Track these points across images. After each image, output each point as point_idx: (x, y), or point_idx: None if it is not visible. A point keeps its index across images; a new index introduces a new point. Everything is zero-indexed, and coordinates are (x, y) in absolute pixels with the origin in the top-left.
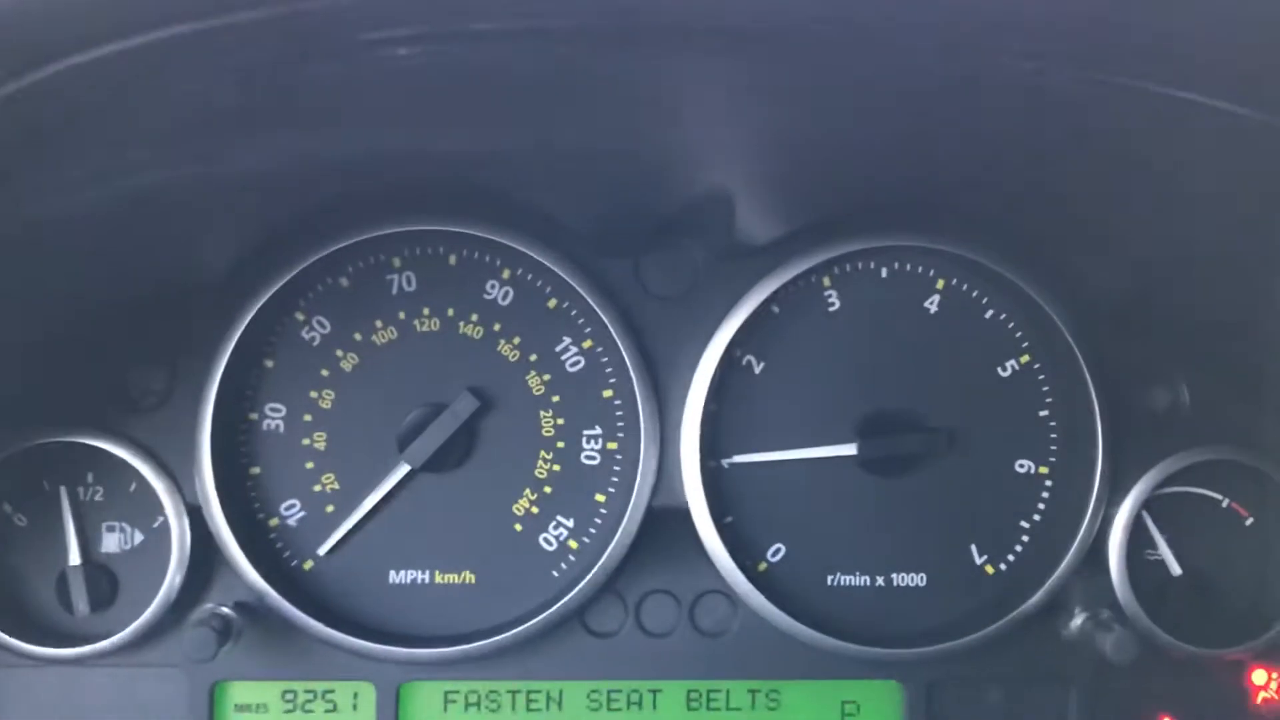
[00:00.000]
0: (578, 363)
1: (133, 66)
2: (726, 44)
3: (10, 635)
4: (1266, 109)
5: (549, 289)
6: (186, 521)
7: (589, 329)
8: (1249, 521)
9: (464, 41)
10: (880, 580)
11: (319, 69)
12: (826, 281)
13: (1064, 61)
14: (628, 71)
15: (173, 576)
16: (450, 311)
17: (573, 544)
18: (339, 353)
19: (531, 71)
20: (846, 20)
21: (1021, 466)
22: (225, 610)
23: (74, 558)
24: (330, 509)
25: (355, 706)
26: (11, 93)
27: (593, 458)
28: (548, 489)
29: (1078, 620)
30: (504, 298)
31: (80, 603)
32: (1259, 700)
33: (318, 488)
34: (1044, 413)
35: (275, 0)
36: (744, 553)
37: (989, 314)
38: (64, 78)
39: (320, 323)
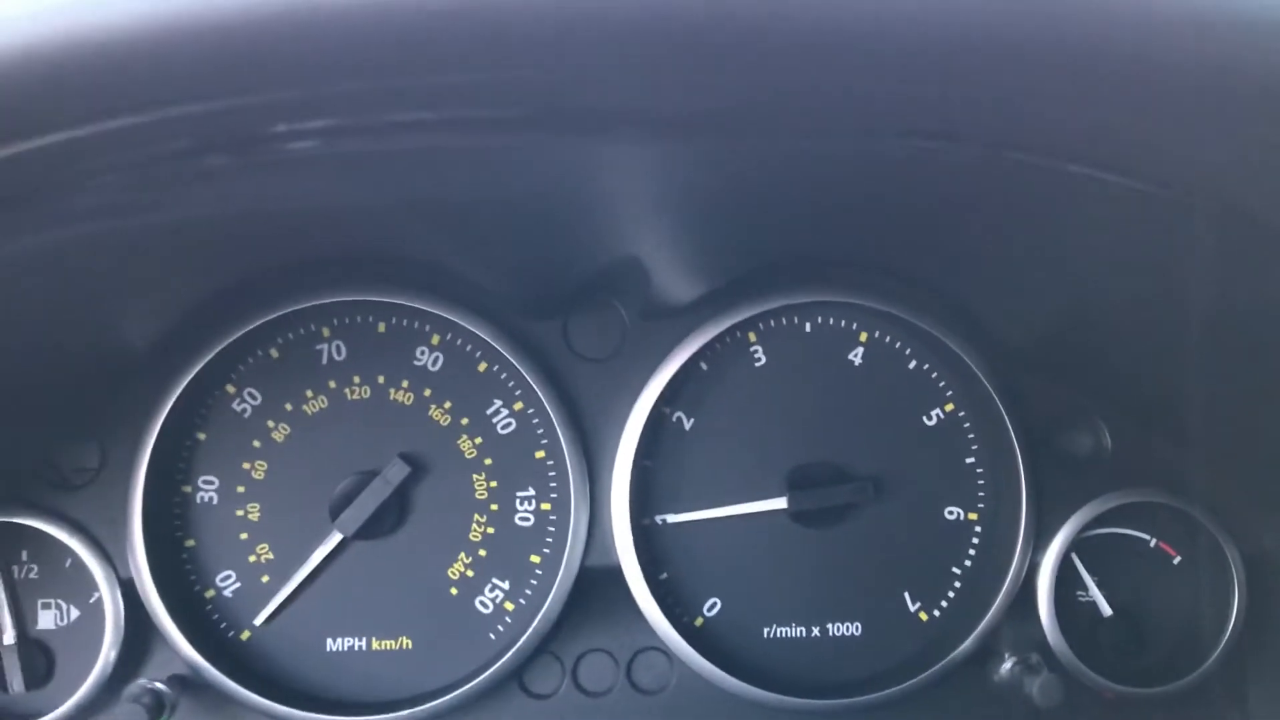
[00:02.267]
0: (509, 425)
1: (39, 161)
2: (645, 131)
3: None
4: (1157, 184)
5: (478, 353)
6: (120, 596)
7: (519, 391)
8: (1176, 560)
9: (371, 134)
10: (816, 630)
11: (222, 161)
12: (752, 337)
13: (966, 141)
14: (546, 149)
15: (107, 652)
16: (380, 379)
17: (509, 605)
18: (270, 423)
19: (451, 151)
20: (764, 107)
21: (950, 513)
22: (158, 685)
23: (8, 636)
24: (266, 579)
25: None
26: None
27: (527, 519)
28: (482, 552)
29: (1007, 665)
30: (434, 363)
31: (15, 681)
32: None
33: (252, 558)
34: (970, 460)
35: (173, 101)
36: (680, 608)
37: (912, 364)
38: None
39: (251, 394)
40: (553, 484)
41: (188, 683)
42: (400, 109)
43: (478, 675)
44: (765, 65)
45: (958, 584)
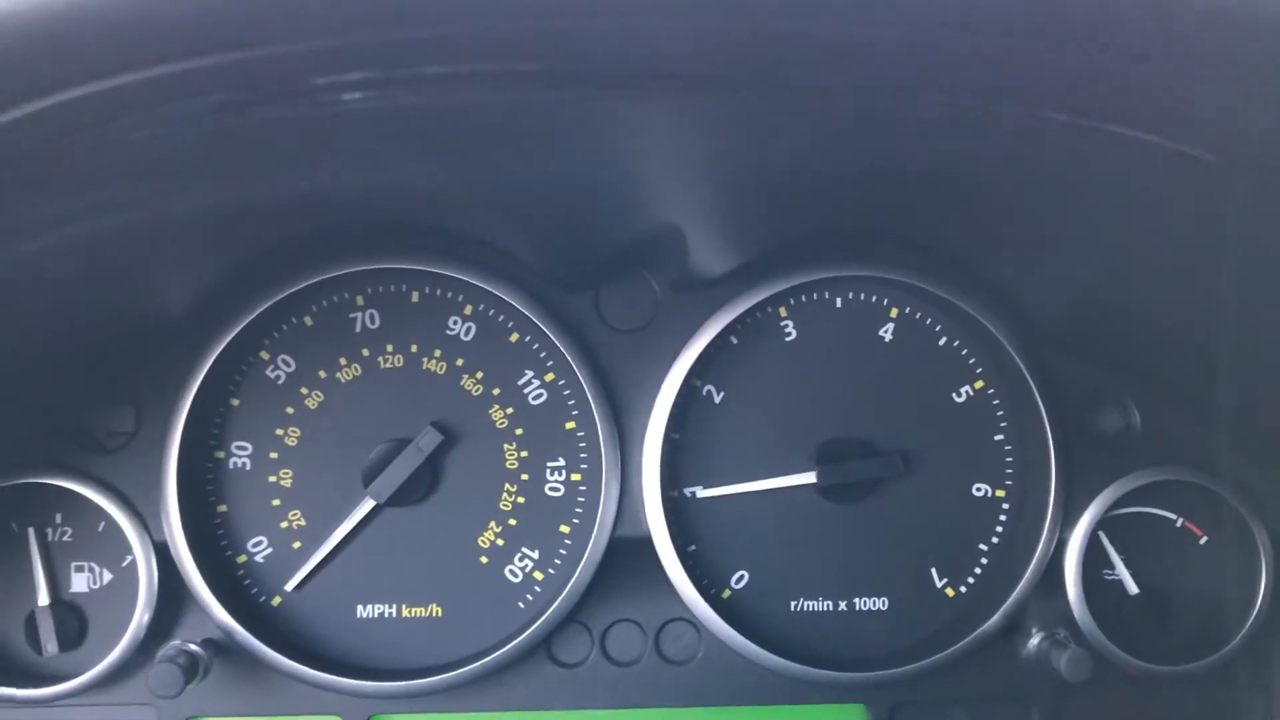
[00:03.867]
0: (540, 396)
1: (79, 116)
2: (679, 88)
3: None
4: (1200, 145)
5: (510, 324)
6: (154, 560)
7: (550, 362)
8: (1203, 540)
9: (416, 86)
10: (843, 605)
11: (271, 113)
12: (783, 312)
13: (1008, 100)
14: (581, 113)
15: (141, 615)
16: (413, 348)
17: (538, 575)
18: (304, 390)
19: (485, 113)
20: (799, 64)
21: (979, 490)
22: (192, 647)
23: (43, 598)
24: (297, 545)
25: None
26: None
27: (557, 489)
28: (512, 521)
29: (1035, 640)
30: (466, 333)
31: (49, 643)
32: None
33: (284, 524)
34: (999, 437)
35: (223, 48)
36: (708, 580)
37: (942, 341)
38: (10, 128)
39: (285, 361)
40: (583, 455)
41: (219, 646)
42: (438, 61)
43: (506, 644)
44: (807, 13)
45: (984, 560)
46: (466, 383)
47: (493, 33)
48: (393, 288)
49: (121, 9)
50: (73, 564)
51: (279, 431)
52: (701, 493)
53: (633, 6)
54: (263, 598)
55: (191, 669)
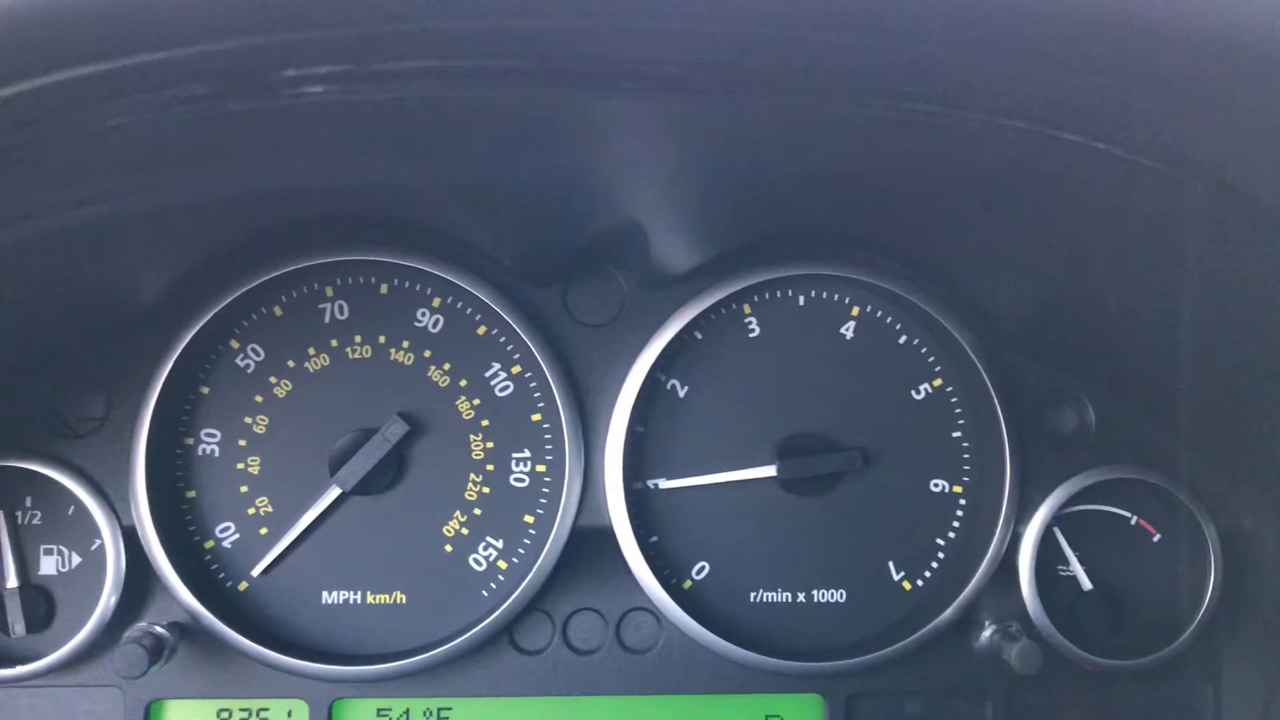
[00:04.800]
0: (507, 388)
1: (47, 103)
2: (651, 90)
3: None
4: (1148, 156)
5: (478, 316)
6: (122, 544)
7: (517, 355)
8: (1156, 538)
9: (384, 80)
10: (801, 596)
11: (241, 106)
12: (747, 309)
13: (964, 109)
14: (551, 110)
15: (108, 597)
16: (381, 339)
17: (502, 564)
18: (272, 379)
19: (455, 108)
20: (764, 67)
21: (936, 486)
22: (158, 629)
23: (11, 580)
24: (264, 531)
25: None
26: None
27: (521, 480)
28: (477, 510)
29: (987, 633)
30: (434, 325)
31: (17, 624)
32: None
33: (252, 510)
34: (956, 434)
35: (194, 40)
36: (669, 571)
37: (902, 339)
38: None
39: (254, 350)
40: (548, 446)
41: (185, 630)
42: (407, 56)
43: (469, 630)
44: (767, 22)
45: (941, 555)
46: (434, 374)
47: (465, 30)
48: (362, 279)
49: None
50: (42, 547)
51: (248, 419)
52: (664, 484)
53: (608, 9)
54: (229, 583)
55: (156, 651)
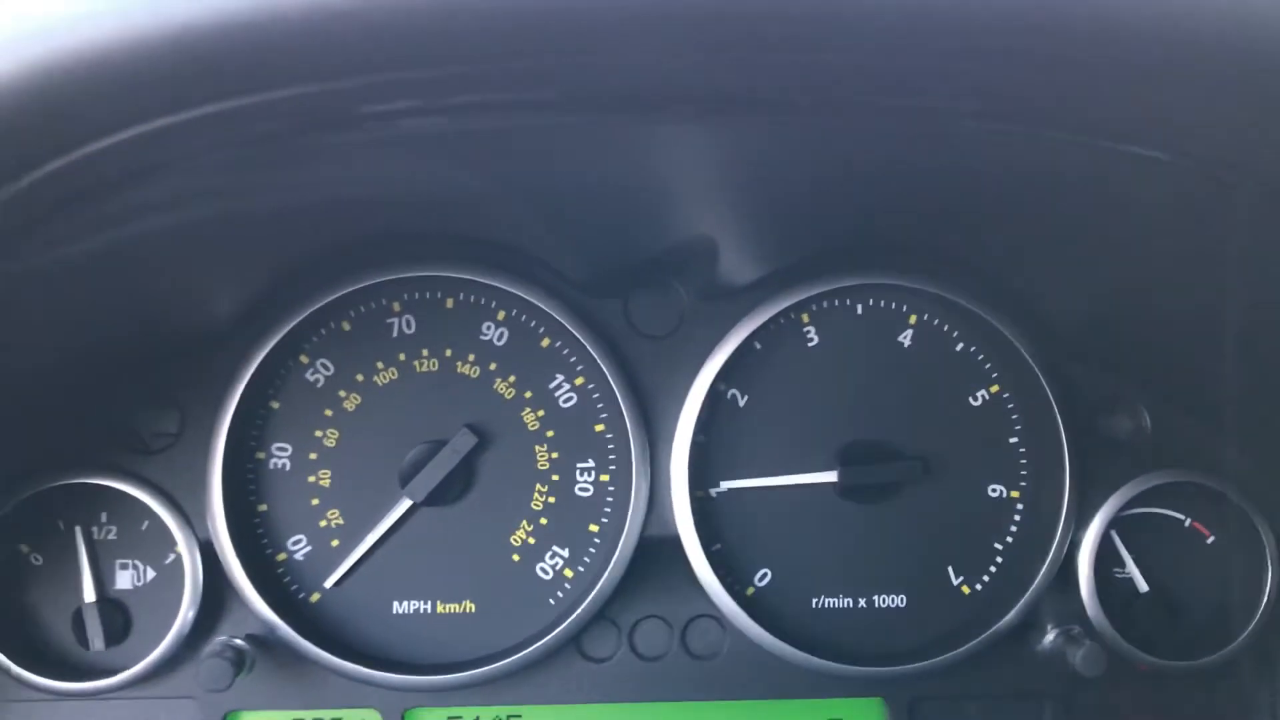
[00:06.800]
0: (571, 399)
1: (146, 147)
2: (707, 111)
3: (28, 670)
4: (1202, 163)
5: (542, 329)
6: (199, 557)
7: (581, 367)
8: (1210, 540)
9: (456, 114)
10: (862, 602)
11: (322, 139)
12: (805, 318)
13: (1019, 123)
14: (617, 133)
15: (186, 610)
16: (448, 352)
17: (568, 573)
18: (342, 393)
19: (526, 135)
20: (823, 92)
21: (994, 491)
22: (239, 642)
23: (89, 595)
24: (335, 543)
25: None
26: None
27: (586, 489)
28: (544, 520)
29: (1050, 636)
30: (499, 338)
31: (95, 638)
32: None
33: (323, 523)
34: (1014, 439)
35: (277, 85)
36: (732, 578)
37: (959, 346)
38: (89, 158)
39: (324, 365)
40: (611, 456)
41: (261, 641)
42: (474, 92)
43: (538, 639)
44: (824, 46)
45: (999, 559)
46: (499, 386)
47: (508, 69)
48: (428, 294)
49: (185, 50)
50: (117, 562)
51: (318, 433)
52: (724, 484)
53: (670, 44)
54: (302, 594)
55: (239, 663)
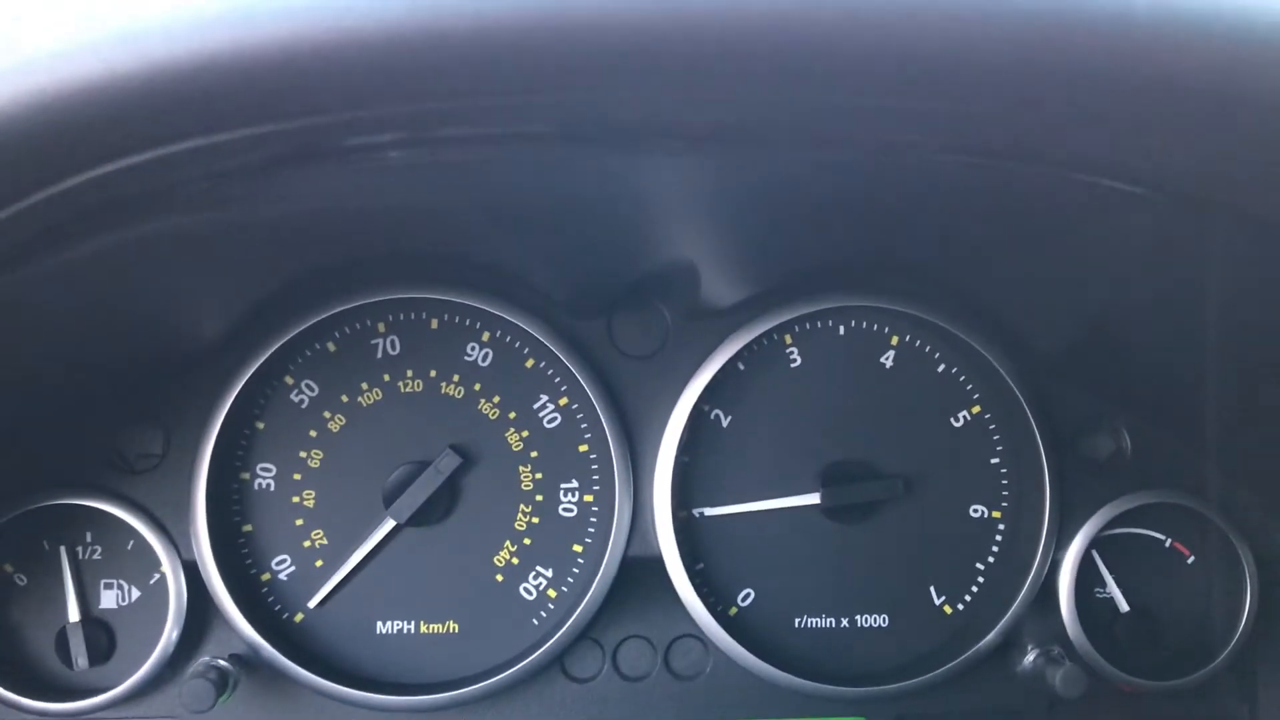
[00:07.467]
0: (555, 419)
1: (136, 176)
2: (690, 144)
3: (11, 691)
4: (1179, 195)
5: (526, 350)
6: (183, 577)
7: (565, 387)
8: (1190, 560)
9: (441, 145)
10: (845, 621)
11: (307, 170)
12: (788, 340)
13: (999, 159)
14: (602, 160)
15: (170, 630)
16: (432, 373)
17: (552, 593)
18: (326, 414)
19: (508, 161)
20: (808, 128)
21: (975, 511)
22: (222, 662)
23: (73, 615)
24: (319, 564)
25: None
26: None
27: (570, 510)
28: (527, 540)
29: (1030, 656)
30: (484, 359)
31: (80, 658)
32: None
33: (307, 543)
34: (995, 460)
35: (273, 119)
36: (715, 598)
37: (940, 368)
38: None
39: (309, 386)
40: (595, 476)
41: (245, 662)
42: (457, 125)
43: (521, 659)
44: (802, 85)
45: (981, 579)
46: (484, 407)
47: (501, 104)
48: (413, 315)
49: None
50: (102, 581)
51: (302, 454)
52: (709, 512)
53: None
54: (286, 614)
55: (222, 684)
